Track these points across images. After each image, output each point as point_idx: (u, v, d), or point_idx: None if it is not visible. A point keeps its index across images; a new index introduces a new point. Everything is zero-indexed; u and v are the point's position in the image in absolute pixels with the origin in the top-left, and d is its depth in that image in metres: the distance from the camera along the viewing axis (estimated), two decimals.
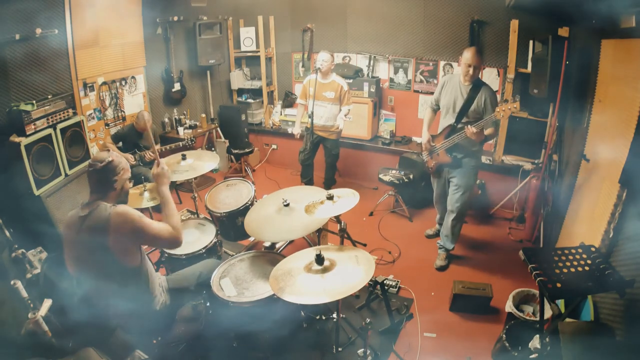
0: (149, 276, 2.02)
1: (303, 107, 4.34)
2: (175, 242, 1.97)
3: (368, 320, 2.12)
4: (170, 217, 1.99)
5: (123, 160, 1.97)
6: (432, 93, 3.47)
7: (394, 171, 4.24)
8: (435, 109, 3.41)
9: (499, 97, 4.18)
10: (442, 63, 4.53)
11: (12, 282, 2.24)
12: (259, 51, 5.39)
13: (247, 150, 5.21)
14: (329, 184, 4.56)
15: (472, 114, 3.03)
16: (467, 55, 2.96)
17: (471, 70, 2.96)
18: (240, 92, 5.75)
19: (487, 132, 3.03)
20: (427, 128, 3.38)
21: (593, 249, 1.87)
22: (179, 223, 2.00)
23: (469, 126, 2.92)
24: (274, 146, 5.70)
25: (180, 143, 4.19)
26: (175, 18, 4.83)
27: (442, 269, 3.42)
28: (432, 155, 3.34)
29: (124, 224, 1.81)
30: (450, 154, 3.18)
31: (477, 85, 3.03)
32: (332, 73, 4.10)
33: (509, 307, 2.60)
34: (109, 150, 1.96)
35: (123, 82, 4.40)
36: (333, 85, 4.06)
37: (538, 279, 1.75)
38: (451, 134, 3.13)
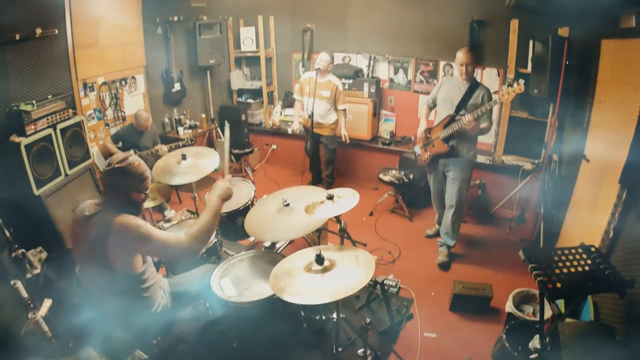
0: (149, 282, 1.98)
1: (300, 104, 4.48)
2: (186, 250, 1.83)
3: (368, 320, 2.12)
4: (194, 226, 1.88)
5: (139, 171, 1.84)
6: None
7: (394, 171, 4.24)
8: (431, 107, 3.49)
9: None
10: (442, 63, 4.52)
11: (12, 282, 2.24)
12: (259, 51, 5.39)
13: (247, 150, 5.21)
14: (329, 182, 4.59)
15: (471, 107, 3.09)
16: (459, 55, 3.09)
17: (464, 69, 3.08)
18: (240, 92, 5.75)
19: (482, 125, 3.09)
20: (424, 119, 3.44)
21: (593, 249, 1.87)
22: (200, 234, 1.86)
23: (466, 115, 2.98)
24: (274, 146, 5.70)
25: (180, 142, 4.19)
26: (175, 18, 4.82)
27: (444, 265, 3.43)
28: (427, 147, 3.36)
29: (124, 232, 1.73)
30: (447, 142, 3.22)
31: (474, 84, 3.14)
32: (329, 73, 4.25)
33: (509, 307, 2.60)
34: (132, 154, 1.87)
35: (123, 82, 4.40)
36: (329, 85, 4.20)
37: (538, 279, 1.75)
38: (450, 123, 3.18)
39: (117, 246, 1.75)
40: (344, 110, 4.29)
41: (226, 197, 2.04)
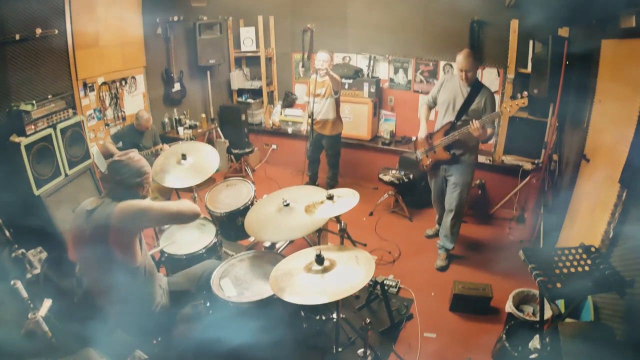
0: (148, 278, 2.00)
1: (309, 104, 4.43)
2: (187, 212, 1.95)
3: (368, 320, 2.12)
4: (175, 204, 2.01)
5: (138, 165, 1.91)
6: None
7: (394, 171, 4.24)
8: (431, 106, 3.44)
9: (499, 97, 4.19)
10: (442, 63, 4.52)
11: (12, 282, 2.24)
12: (259, 51, 5.39)
13: (247, 150, 5.21)
14: (331, 184, 4.58)
15: (472, 113, 3.06)
16: (458, 59, 3.03)
17: (463, 75, 3.03)
18: (240, 92, 5.75)
19: (488, 131, 3.05)
20: (424, 123, 3.39)
21: (593, 249, 1.87)
22: (185, 203, 2.00)
23: (473, 120, 2.91)
24: (274, 146, 5.70)
25: (180, 142, 4.18)
26: (175, 18, 4.82)
27: (442, 269, 3.42)
28: (429, 153, 3.34)
29: (125, 213, 1.79)
30: (448, 150, 3.19)
31: (477, 86, 3.09)
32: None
33: (509, 307, 2.60)
34: (134, 151, 1.97)
35: (123, 82, 4.39)
36: (325, 83, 4.15)
37: (538, 279, 1.75)
38: (451, 130, 3.14)
39: (120, 230, 1.79)
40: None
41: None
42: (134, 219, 1.81)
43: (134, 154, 1.93)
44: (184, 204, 1.97)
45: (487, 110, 3.02)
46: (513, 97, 2.87)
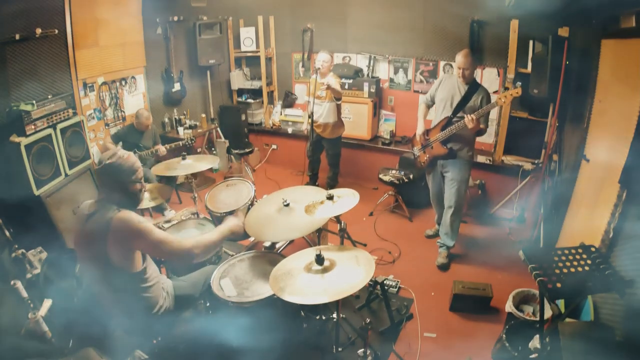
0: (151, 282, 1.98)
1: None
2: (184, 253, 1.92)
3: (368, 320, 2.11)
4: (201, 237, 2.01)
5: (129, 163, 1.89)
6: None
7: (394, 171, 4.24)
8: (430, 105, 3.47)
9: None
10: (442, 63, 4.53)
11: (12, 282, 2.24)
12: (259, 51, 5.40)
13: (247, 150, 5.21)
14: (331, 184, 4.58)
15: (469, 110, 3.09)
16: (458, 58, 3.11)
17: (461, 72, 3.09)
18: (240, 92, 5.75)
19: (481, 125, 3.10)
20: (422, 120, 3.42)
21: (593, 249, 1.87)
22: (203, 247, 1.98)
23: (468, 114, 2.97)
24: (274, 146, 5.70)
25: (180, 142, 4.19)
26: (175, 18, 4.83)
27: (443, 267, 3.43)
28: (426, 149, 3.37)
29: (124, 228, 1.76)
30: (445, 145, 3.22)
31: (474, 85, 3.13)
32: (330, 73, 4.18)
33: (509, 307, 2.60)
34: (119, 148, 1.93)
35: (123, 82, 4.40)
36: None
37: (538, 279, 1.75)
38: (447, 126, 3.18)
39: (117, 242, 1.76)
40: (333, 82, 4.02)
41: (237, 231, 2.21)
42: (131, 237, 1.79)
43: (122, 152, 1.89)
44: (184, 245, 1.92)
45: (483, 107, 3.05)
46: (507, 88, 2.89)
